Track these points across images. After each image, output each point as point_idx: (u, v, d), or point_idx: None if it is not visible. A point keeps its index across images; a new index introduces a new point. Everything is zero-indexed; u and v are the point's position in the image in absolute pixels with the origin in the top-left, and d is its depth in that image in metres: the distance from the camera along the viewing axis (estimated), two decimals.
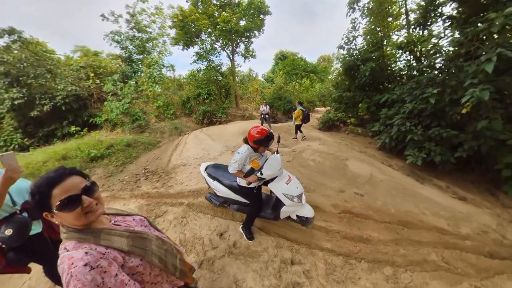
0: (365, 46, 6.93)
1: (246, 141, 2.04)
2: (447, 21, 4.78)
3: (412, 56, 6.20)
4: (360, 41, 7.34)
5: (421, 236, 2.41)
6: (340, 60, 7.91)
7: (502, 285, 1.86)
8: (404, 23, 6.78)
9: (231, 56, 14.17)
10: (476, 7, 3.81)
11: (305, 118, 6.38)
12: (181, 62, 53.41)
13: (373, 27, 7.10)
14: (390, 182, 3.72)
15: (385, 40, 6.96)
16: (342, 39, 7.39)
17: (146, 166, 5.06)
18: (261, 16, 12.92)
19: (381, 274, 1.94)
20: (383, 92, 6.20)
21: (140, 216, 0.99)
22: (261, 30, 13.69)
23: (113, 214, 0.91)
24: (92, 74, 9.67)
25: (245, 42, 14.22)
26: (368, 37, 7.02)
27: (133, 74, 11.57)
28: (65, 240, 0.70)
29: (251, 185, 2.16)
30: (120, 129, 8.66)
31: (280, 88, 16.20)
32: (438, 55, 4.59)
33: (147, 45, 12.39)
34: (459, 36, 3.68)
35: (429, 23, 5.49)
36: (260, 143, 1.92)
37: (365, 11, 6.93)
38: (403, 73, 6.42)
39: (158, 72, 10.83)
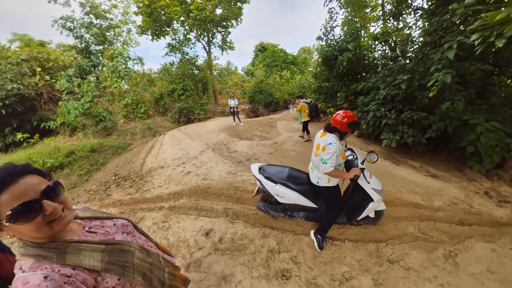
0: (342, 37, 7.29)
1: (330, 129, 1.82)
2: (417, 12, 5.26)
3: (387, 46, 6.71)
4: (338, 31, 7.72)
5: (399, 212, 2.67)
6: (319, 50, 8.22)
7: (472, 247, 2.19)
8: (380, 14, 7.27)
9: (207, 48, 13.80)
10: None
11: (313, 111, 5.60)
12: (151, 54, 50.19)
13: (350, 17, 7.48)
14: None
15: (362, 31, 7.40)
16: (321, 29, 7.68)
17: (117, 172, 4.82)
18: (239, 4, 12.75)
19: (364, 250, 2.11)
20: (360, 81, 6.62)
21: (123, 219, 0.87)
22: (239, 19, 13.55)
23: (88, 218, 0.77)
24: (39, 69, 8.57)
25: (222, 33, 13.95)
26: (346, 28, 7.40)
27: (93, 69, 10.63)
28: (21, 257, 0.58)
29: (331, 184, 1.93)
30: (81, 133, 7.93)
31: (260, 81, 16.30)
32: (409, 44, 5.04)
33: (107, 34, 11.42)
34: (427, 26, 4.08)
35: (402, 15, 5.98)
36: (355, 124, 1.77)
37: (342, 1, 7.27)
38: (378, 62, 6.94)
39: (123, 66, 10.09)
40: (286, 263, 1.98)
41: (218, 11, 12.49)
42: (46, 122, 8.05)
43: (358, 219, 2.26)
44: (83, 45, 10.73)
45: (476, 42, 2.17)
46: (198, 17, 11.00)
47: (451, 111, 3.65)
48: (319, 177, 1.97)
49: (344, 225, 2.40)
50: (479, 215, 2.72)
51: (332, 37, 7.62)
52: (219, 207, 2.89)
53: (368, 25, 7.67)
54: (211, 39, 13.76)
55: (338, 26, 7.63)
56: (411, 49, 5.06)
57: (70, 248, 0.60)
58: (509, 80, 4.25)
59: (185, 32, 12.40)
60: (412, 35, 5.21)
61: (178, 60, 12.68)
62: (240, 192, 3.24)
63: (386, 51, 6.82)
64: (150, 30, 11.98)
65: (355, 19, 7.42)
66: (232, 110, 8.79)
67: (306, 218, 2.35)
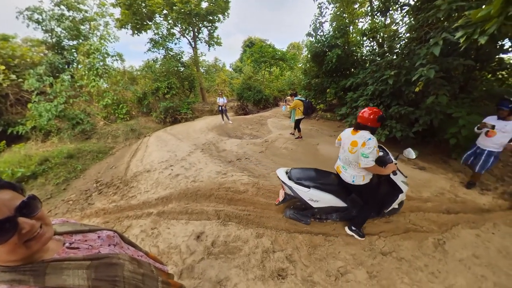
0: (331, 33, 7.46)
1: (363, 127, 1.94)
2: (404, 8, 5.50)
3: (374, 42, 6.95)
4: (327, 27, 7.86)
5: None
6: (308, 47, 8.35)
7: (458, 233, 2.37)
8: (368, 9, 7.49)
9: (193, 44, 13.50)
10: None
11: (308, 109, 5.47)
12: (132, 50, 47.94)
13: (339, 13, 7.65)
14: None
15: (351, 27, 7.60)
16: (310, 25, 7.80)
17: (98, 178, 4.64)
18: None
19: (358, 244, 2.19)
20: (348, 77, 6.83)
21: (108, 231, 0.81)
22: (226, 13, 13.37)
23: (68, 232, 0.71)
24: (2, 67, 7.91)
25: (209, 27, 13.71)
26: (334, 23, 7.56)
27: (67, 66, 10.04)
28: None
29: (366, 181, 2.02)
30: (56, 138, 7.48)
31: (249, 77, 16.24)
32: (396, 39, 5.26)
33: (82, 27, 10.78)
34: (413, 22, 4.27)
35: (389, 11, 6.21)
36: (383, 118, 1.92)
37: None
38: (367, 58, 7.17)
39: (101, 63, 9.60)
40: (282, 262, 2.00)
41: (204, 4, 12.25)
42: (14, 127, 7.47)
43: (386, 211, 2.36)
44: (54, 39, 10.03)
45: (461, 40, 2.30)
46: (182, 10, 10.70)
47: (436, 105, 3.86)
48: (354, 176, 2.03)
49: (372, 219, 2.49)
50: (464, 203, 2.93)
51: (321, 33, 7.77)
52: (210, 209, 2.86)
53: (357, 21, 7.89)
54: (197, 34, 13.46)
55: (327, 21, 7.80)
56: (398, 45, 5.29)
57: (49, 268, 0.55)
58: (490, 75, 4.58)
59: (169, 27, 12.03)
60: (399, 31, 5.45)
61: (162, 56, 12.29)
62: (232, 192, 3.23)
63: (374, 47, 7.06)
64: (130, 24, 11.48)
65: (344, 15, 7.60)
66: (220, 109, 8.74)
67: (340, 218, 2.41)
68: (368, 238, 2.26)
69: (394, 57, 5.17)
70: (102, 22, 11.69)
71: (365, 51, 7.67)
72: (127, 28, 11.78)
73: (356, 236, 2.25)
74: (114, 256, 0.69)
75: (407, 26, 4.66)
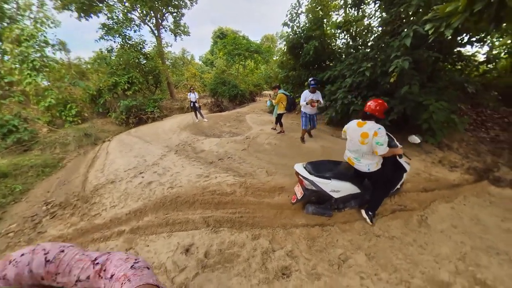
0: (308, 24, 7.77)
1: (370, 117, 2.20)
2: (377, 2, 6.03)
3: (348, 35, 7.46)
4: (303, 18, 8.16)
5: None
6: (285, 38, 8.55)
7: (436, 208, 2.80)
8: (342, 3, 7.99)
9: (156, 32, 12.60)
10: None
11: (291, 105, 5.68)
12: (80, 38, 40.32)
13: (314, 5, 7.99)
14: (340, 150, 4.57)
15: (326, 19, 8.01)
16: (287, 15, 8.01)
17: (48, 199, 4.01)
18: None
19: (353, 230, 2.40)
20: (325, 69, 7.23)
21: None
22: None
23: None
24: None
25: (174, 14, 12.96)
26: (310, 15, 7.88)
27: None
28: None
29: (379, 167, 2.30)
30: None
31: (222, 71, 15.97)
32: (370, 34, 5.76)
33: (5, 7, 9.10)
34: (387, 15, 4.73)
35: (362, 4, 6.73)
36: (388, 110, 2.18)
37: None
38: (342, 51, 7.67)
39: (38, 54, 8.32)
40: (283, 260, 2.06)
41: None
42: None
43: (393, 191, 2.72)
44: None
45: (429, 32, 2.64)
46: None
47: (408, 95, 4.39)
48: (369, 164, 2.28)
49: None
50: (437, 181, 3.44)
51: (298, 24, 8.04)
52: (196, 217, 2.77)
53: (332, 13, 8.35)
54: (160, 21, 12.60)
55: (303, 13, 8.09)
56: (372, 38, 5.79)
57: None
58: (451, 66, 5.37)
59: (125, 10, 10.98)
60: (372, 24, 5.97)
61: (118, 45, 11.23)
62: (218, 196, 3.18)
63: (349, 40, 7.57)
64: (74, 5, 10.14)
65: (319, 7, 7.97)
66: (192, 105, 8.44)
67: (358, 205, 2.66)
68: (360, 223, 2.48)
69: (369, 50, 5.66)
70: (36, 1, 10.10)
71: (340, 44, 8.19)
72: (71, 10, 10.39)
73: (368, 221, 2.47)
74: None
75: (380, 19, 5.13)
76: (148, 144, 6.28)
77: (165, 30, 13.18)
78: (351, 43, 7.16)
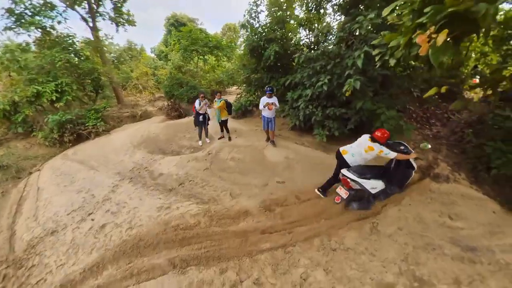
0: (269, 23, 8.27)
1: (375, 141, 3.40)
2: (335, 7, 7.10)
3: (311, 33, 8.24)
4: (263, 17, 8.61)
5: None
6: (244, 38, 8.89)
7: (386, 213, 3.55)
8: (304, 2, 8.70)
9: (90, 22, 11.45)
10: None
11: (230, 107, 6.91)
12: None
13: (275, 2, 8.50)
14: (304, 160, 5.37)
15: (289, 12, 8.59)
16: (244, 15, 8.39)
17: None
18: None
19: (312, 247, 2.90)
20: (288, 71, 7.91)
21: None
22: None
23: None
24: None
25: None
26: (272, 9, 8.33)
27: None
28: None
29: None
30: None
31: (178, 68, 15.48)
32: (329, 36, 6.65)
33: None
34: (341, 33, 5.74)
35: (322, 7, 7.60)
36: (389, 139, 3.52)
37: None
38: (304, 53, 8.41)
39: None
40: None
41: None
42: None
43: (403, 187, 3.86)
44: None
45: (376, 58, 3.30)
46: None
47: (363, 106, 5.28)
48: (358, 161, 3.57)
49: (398, 193, 3.87)
50: None
51: (257, 24, 8.47)
52: (162, 260, 2.86)
53: (294, 7, 8.96)
54: (96, 6, 11.47)
55: (263, 11, 8.55)
56: (331, 41, 6.68)
57: None
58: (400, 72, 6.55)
59: None
60: (331, 25, 6.96)
61: (36, 40, 10.07)
62: (182, 231, 3.29)
63: (310, 38, 8.34)
64: None
65: (281, 1, 8.48)
66: (199, 120, 6.82)
67: (384, 198, 3.72)
68: (319, 239, 3.02)
69: (325, 62, 6.41)
70: None
71: (301, 42, 8.90)
72: None
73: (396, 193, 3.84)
74: None
75: (335, 36, 6.25)
76: (94, 171, 5.84)
77: (104, 19, 12.10)
78: (312, 39, 8.03)
